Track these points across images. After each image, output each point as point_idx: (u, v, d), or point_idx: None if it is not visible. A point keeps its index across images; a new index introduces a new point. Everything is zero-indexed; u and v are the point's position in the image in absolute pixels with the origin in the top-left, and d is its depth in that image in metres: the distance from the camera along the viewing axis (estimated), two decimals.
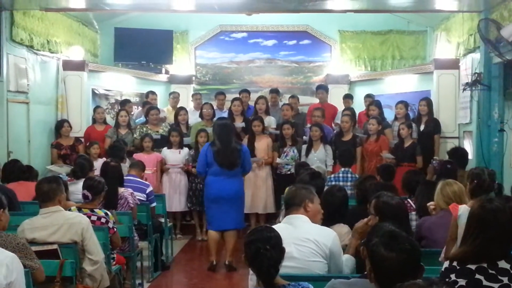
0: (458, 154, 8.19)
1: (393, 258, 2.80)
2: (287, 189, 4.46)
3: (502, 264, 3.39)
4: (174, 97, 11.66)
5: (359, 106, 11.48)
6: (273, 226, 4.26)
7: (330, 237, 4.09)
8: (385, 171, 7.46)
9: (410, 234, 3.39)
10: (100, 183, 5.88)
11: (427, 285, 1.93)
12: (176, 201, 9.74)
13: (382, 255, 2.82)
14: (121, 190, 6.94)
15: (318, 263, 3.99)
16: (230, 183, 7.85)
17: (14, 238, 4.25)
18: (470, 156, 9.29)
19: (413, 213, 5.73)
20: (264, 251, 3.18)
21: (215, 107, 10.78)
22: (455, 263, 3.45)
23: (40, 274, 4.34)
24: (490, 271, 3.37)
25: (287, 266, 3.69)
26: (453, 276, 3.39)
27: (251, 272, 3.49)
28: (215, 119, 9.51)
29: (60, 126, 10.12)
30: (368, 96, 11.27)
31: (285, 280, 3.30)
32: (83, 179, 7.08)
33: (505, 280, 3.36)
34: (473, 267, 3.39)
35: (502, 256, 3.40)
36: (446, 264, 3.51)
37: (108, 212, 5.78)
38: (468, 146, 9.55)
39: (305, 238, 4.02)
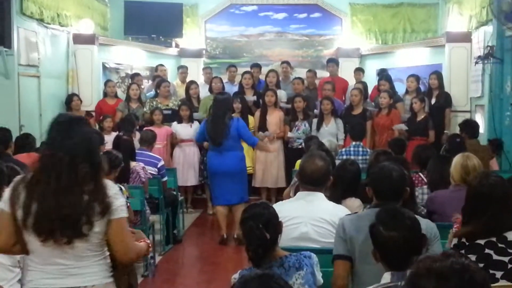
0: (469, 125, 8.28)
1: (395, 237, 2.85)
2: (309, 162, 4.15)
3: (511, 236, 3.41)
4: (183, 71, 11.63)
5: (370, 79, 11.44)
6: (287, 202, 4.28)
7: None
8: (396, 145, 7.45)
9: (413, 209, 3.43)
10: (117, 158, 5.97)
11: (443, 259, 1.91)
12: (191, 176, 9.78)
13: (384, 235, 2.88)
14: (133, 164, 6.97)
15: None
16: (228, 157, 7.85)
17: None
18: (482, 130, 9.27)
19: (425, 187, 5.73)
20: (256, 230, 3.16)
21: (226, 80, 10.77)
22: (463, 240, 3.48)
23: None
24: (500, 245, 3.40)
25: (305, 247, 3.69)
26: (462, 252, 3.42)
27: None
28: None
29: (70, 100, 10.11)
30: (381, 70, 11.22)
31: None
32: None
33: None
34: (482, 242, 3.42)
35: (510, 227, 3.44)
36: (455, 241, 3.53)
37: (122, 187, 5.81)
38: (480, 119, 9.51)
39: (322, 219, 3.94)
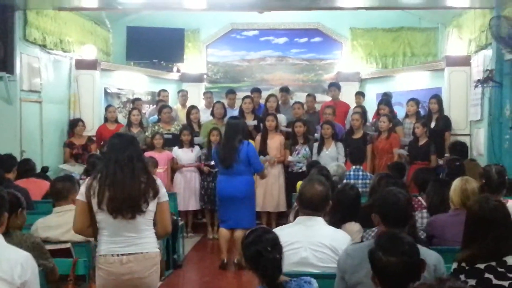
0: (459, 148, 8.62)
1: (394, 263, 2.83)
2: (308, 186, 4.16)
3: (511, 261, 3.41)
4: (183, 95, 11.74)
5: (370, 103, 11.47)
6: (287, 226, 4.27)
7: (345, 241, 3.99)
8: (395, 169, 7.48)
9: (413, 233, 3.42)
10: None
11: (440, 284, 1.91)
12: (193, 200, 9.78)
13: (383, 261, 2.86)
14: None
15: (335, 269, 3.84)
16: (237, 182, 7.78)
17: (29, 237, 4.28)
18: (482, 152, 9.30)
19: (424, 210, 5.72)
20: (266, 253, 3.18)
21: (226, 106, 10.80)
22: (463, 264, 3.47)
23: (54, 273, 4.38)
24: (499, 269, 3.39)
25: (305, 272, 3.69)
26: (462, 277, 3.42)
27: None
28: (226, 117, 9.58)
29: (75, 125, 10.15)
30: (384, 94, 11.26)
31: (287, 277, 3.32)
32: None
33: None
34: (482, 266, 3.42)
35: (509, 251, 3.44)
36: (454, 265, 3.53)
37: None
38: (480, 143, 9.52)
39: (321, 243, 3.93)
